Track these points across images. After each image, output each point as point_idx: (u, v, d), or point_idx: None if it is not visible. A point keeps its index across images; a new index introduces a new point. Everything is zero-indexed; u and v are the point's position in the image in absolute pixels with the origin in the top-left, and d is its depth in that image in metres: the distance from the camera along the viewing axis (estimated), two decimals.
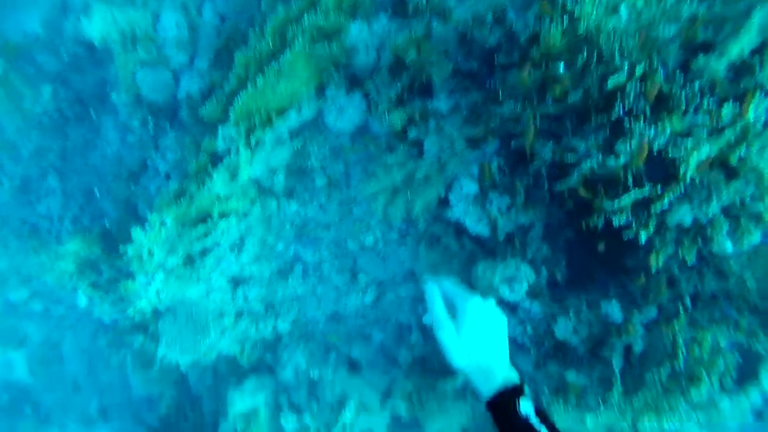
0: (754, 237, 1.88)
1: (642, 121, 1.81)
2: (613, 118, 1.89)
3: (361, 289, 3.90)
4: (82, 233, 3.82)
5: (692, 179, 1.81)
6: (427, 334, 3.99)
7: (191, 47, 4.03)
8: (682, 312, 2.20)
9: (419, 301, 4.05)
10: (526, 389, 1.12)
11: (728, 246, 1.90)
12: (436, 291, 1.25)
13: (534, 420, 1.03)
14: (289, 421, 4.04)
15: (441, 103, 3.01)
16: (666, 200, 1.82)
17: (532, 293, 2.79)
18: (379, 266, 3.84)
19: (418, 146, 3.11)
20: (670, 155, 1.77)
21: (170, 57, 4.02)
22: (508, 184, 2.97)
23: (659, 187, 1.83)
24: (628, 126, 1.83)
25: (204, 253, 3.33)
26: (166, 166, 4.32)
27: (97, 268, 3.89)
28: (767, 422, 2.98)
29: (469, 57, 2.95)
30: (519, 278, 2.66)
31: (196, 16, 4.00)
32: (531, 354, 2.85)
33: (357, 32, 3.11)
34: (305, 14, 2.99)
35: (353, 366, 4.46)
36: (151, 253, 3.15)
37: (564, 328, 2.52)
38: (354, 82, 3.33)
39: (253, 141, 3.15)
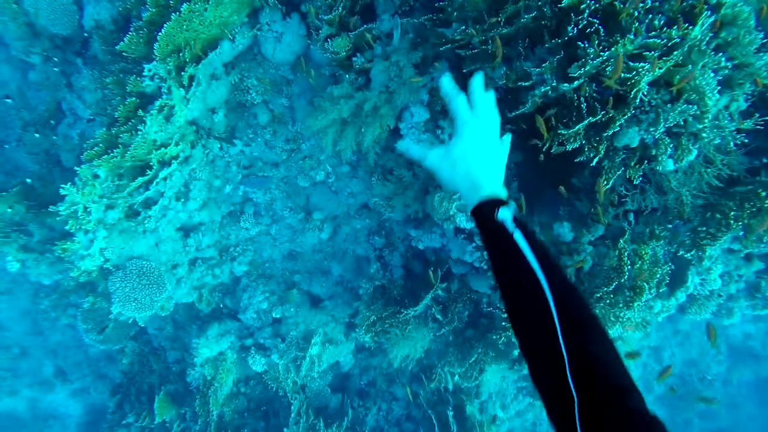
0: (692, 154, 1.99)
1: (596, 42, 1.79)
2: (565, 38, 1.85)
3: (317, 226, 3.86)
4: None
5: (641, 101, 1.85)
6: (386, 263, 4.08)
7: None
8: (627, 228, 2.35)
9: (375, 233, 4.08)
10: (510, 203, 1.15)
11: (670, 164, 2.00)
12: (454, 86, 1.23)
13: (509, 224, 1.07)
14: (257, 362, 4.12)
15: (385, 24, 2.83)
16: (617, 124, 1.86)
17: None
18: (332, 200, 3.78)
19: (365, 74, 2.95)
20: (621, 77, 1.78)
21: None
22: None
23: (611, 111, 1.86)
24: (582, 48, 1.80)
25: (147, 204, 3.12)
26: (87, 110, 3.88)
27: (25, 230, 3.57)
28: (686, 315, 3.40)
29: None
30: None
31: None
32: (489, 275, 2.99)
33: None
34: None
35: (315, 301, 4.54)
36: (87, 210, 2.90)
37: None
38: (290, 4, 3.04)
39: (185, 78, 2.86)
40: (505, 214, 1.08)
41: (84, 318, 3.98)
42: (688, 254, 2.25)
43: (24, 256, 3.61)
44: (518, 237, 1.04)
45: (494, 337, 3.23)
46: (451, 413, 4.65)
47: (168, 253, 3.49)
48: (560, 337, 0.89)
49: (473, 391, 5.01)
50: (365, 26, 2.73)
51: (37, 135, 3.92)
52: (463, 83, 1.26)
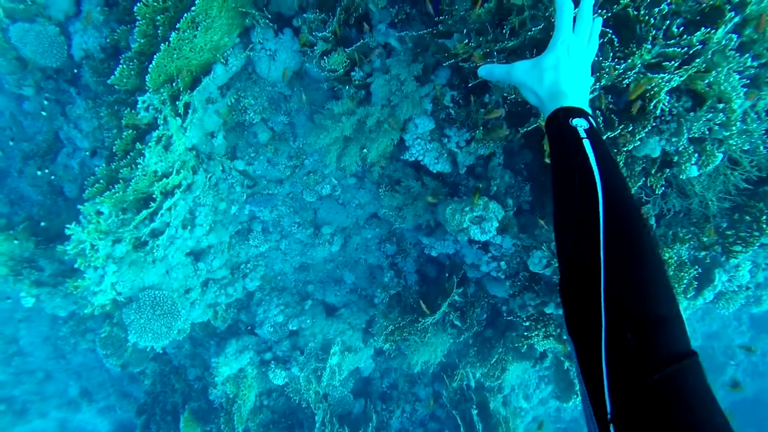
0: (718, 159, 1.88)
1: (610, 53, 1.67)
2: None
3: (327, 240, 3.80)
4: (6, 230, 3.41)
5: (662, 111, 1.74)
6: (399, 270, 4.01)
7: None
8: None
9: (386, 240, 4.01)
10: (591, 117, 1.11)
11: (694, 171, 1.89)
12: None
13: (582, 132, 1.01)
14: (277, 376, 4.11)
15: (382, 36, 2.71)
16: (637, 138, 1.76)
17: (501, 228, 2.79)
18: (340, 213, 3.71)
19: (365, 88, 2.84)
20: (640, 93, 1.66)
21: (47, 5, 3.32)
22: (465, 118, 2.81)
23: (630, 124, 1.75)
24: (596, 61, 1.69)
25: (154, 234, 3.07)
26: (84, 140, 3.82)
27: (35, 265, 3.55)
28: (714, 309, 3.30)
29: None
30: (488, 217, 2.63)
31: None
32: (506, 285, 2.92)
33: None
34: None
35: (330, 310, 4.50)
36: (94, 248, 2.86)
37: (537, 261, 2.56)
38: (282, 20, 2.92)
39: (180, 107, 2.78)
40: (580, 122, 1.04)
41: (102, 344, 3.99)
42: (719, 267, 2.15)
43: (37, 291, 3.60)
44: (587, 144, 0.98)
45: (517, 344, 3.17)
46: (475, 411, 4.64)
47: (179, 279, 3.46)
48: (602, 249, 0.82)
49: (496, 386, 4.99)
50: (361, 41, 2.62)
51: (39, 173, 3.90)
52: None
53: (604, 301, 0.76)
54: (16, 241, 3.42)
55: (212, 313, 4.17)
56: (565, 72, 1.17)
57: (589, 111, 1.14)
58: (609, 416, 0.67)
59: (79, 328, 4.52)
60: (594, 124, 1.07)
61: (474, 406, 4.69)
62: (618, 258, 0.81)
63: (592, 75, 1.36)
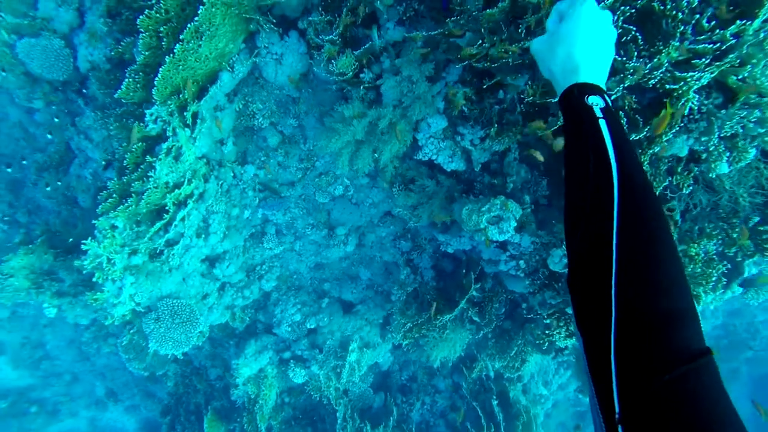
0: (750, 154, 1.80)
1: (635, 53, 1.58)
2: None
3: (341, 241, 3.78)
4: (26, 244, 3.44)
5: (690, 109, 1.66)
6: (415, 266, 3.98)
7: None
8: (672, 228, 2.18)
9: (401, 237, 3.97)
10: (607, 96, 1.06)
11: (724, 168, 1.81)
12: None
13: (598, 111, 0.97)
14: (297, 375, 4.14)
15: (390, 33, 2.63)
16: (664, 140, 1.68)
17: (519, 225, 2.73)
18: (354, 213, 3.67)
19: (375, 89, 2.77)
20: (667, 88, 1.58)
21: (51, 18, 3.28)
22: (479, 115, 2.73)
23: (655, 125, 1.67)
24: (619, 60, 1.60)
25: (169, 244, 3.07)
26: (95, 150, 3.82)
27: (56, 276, 3.59)
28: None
29: None
30: (506, 217, 2.57)
31: None
32: (525, 283, 2.88)
33: None
34: None
35: (347, 307, 4.51)
36: (111, 261, 2.87)
37: (558, 260, 2.51)
38: (287, 22, 2.85)
39: (188, 117, 2.74)
40: (596, 100, 0.99)
41: (125, 349, 4.05)
42: (749, 260, 2.08)
43: (59, 302, 3.65)
44: (603, 125, 0.94)
45: (538, 342, 3.14)
46: (495, 401, 4.65)
47: (196, 286, 3.47)
48: (615, 238, 0.77)
49: (515, 376, 4.99)
50: (370, 43, 2.53)
51: (49, 188, 3.93)
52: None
53: (615, 294, 0.71)
54: (34, 255, 3.46)
55: (230, 314, 4.20)
56: (579, 42, 1.11)
57: (604, 88, 1.09)
58: (617, 416, 0.63)
59: (101, 333, 4.59)
60: (610, 103, 1.02)
61: (494, 396, 4.69)
62: (632, 249, 0.76)
63: (614, 76, 1.29)
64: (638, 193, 0.83)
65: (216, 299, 3.78)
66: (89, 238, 2.86)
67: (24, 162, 4.10)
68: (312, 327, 4.30)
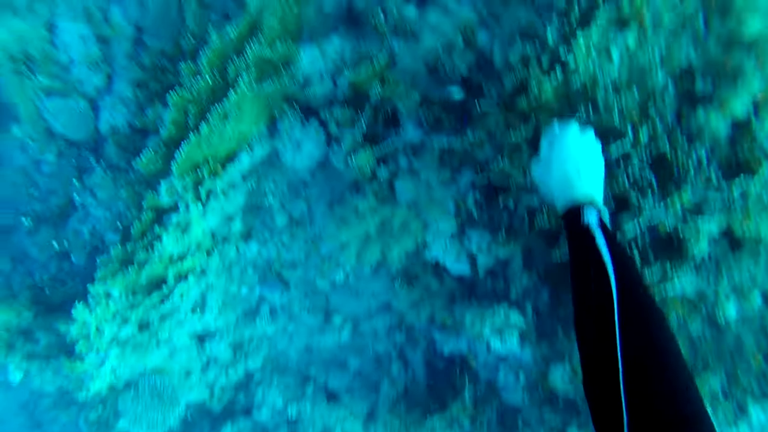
0: (756, 302, 1.83)
1: (650, 197, 1.66)
2: (617, 192, 1.72)
3: (337, 328, 3.68)
4: (8, 299, 3.30)
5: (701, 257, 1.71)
6: (407, 361, 3.86)
7: (106, 65, 3.42)
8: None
9: (396, 328, 3.88)
10: (603, 210, 1.17)
11: (733, 313, 1.83)
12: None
13: (594, 228, 1.05)
14: None
15: (409, 134, 2.75)
16: (675, 280, 1.71)
17: (521, 336, 2.69)
18: (352, 301, 3.61)
19: (389, 185, 2.85)
20: (680, 235, 1.64)
21: (82, 81, 3.41)
22: (487, 220, 2.79)
23: (668, 267, 1.71)
24: (635, 202, 1.67)
25: (162, 318, 2.97)
26: (99, 207, 3.81)
27: (31, 337, 3.41)
28: None
29: (439, 85, 2.69)
30: (508, 327, 2.54)
31: (103, 24, 3.31)
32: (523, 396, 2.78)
33: (309, 61, 2.75)
34: (246, 43, 2.58)
35: (331, 396, 4.30)
36: (99, 331, 2.75)
37: (559, 377, 2.44)
38: (309, 111, 2.98)
39: (203, 193, 2.77)
40: (591, 217, 1.10)
41: (89, 424, 3.76)
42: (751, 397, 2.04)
43: (27, 365, 3.43)
44: (599, 239, 1.02)
45: None
46: None
47: (182, 362, 3.32)
48: (618, 347, 0.79)
49: None
50: (389, 139, 2.65)
51: (48, 229, 3.85)
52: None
53: (624, 401, 0.72)
54: (13, 311, 3.32)
55: (209, 393, 3.97)
56: (572, 162, 1.28)
57: (600, 198, 1.26)
58: None
59: (63, 400, 4.30)
60: (607, 219, 1.15)
61: None
62: (635, 358, 0.78)
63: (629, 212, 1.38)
64: (637, 303, 0.88)
65: (198, 378, 3.59)
66: (77, 300, 2.76)
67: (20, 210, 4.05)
68: (293, 414, 4.06)
